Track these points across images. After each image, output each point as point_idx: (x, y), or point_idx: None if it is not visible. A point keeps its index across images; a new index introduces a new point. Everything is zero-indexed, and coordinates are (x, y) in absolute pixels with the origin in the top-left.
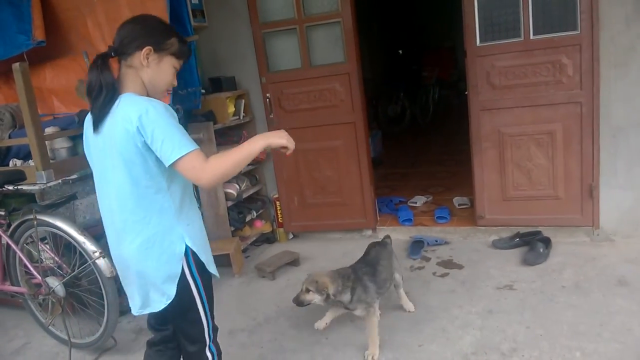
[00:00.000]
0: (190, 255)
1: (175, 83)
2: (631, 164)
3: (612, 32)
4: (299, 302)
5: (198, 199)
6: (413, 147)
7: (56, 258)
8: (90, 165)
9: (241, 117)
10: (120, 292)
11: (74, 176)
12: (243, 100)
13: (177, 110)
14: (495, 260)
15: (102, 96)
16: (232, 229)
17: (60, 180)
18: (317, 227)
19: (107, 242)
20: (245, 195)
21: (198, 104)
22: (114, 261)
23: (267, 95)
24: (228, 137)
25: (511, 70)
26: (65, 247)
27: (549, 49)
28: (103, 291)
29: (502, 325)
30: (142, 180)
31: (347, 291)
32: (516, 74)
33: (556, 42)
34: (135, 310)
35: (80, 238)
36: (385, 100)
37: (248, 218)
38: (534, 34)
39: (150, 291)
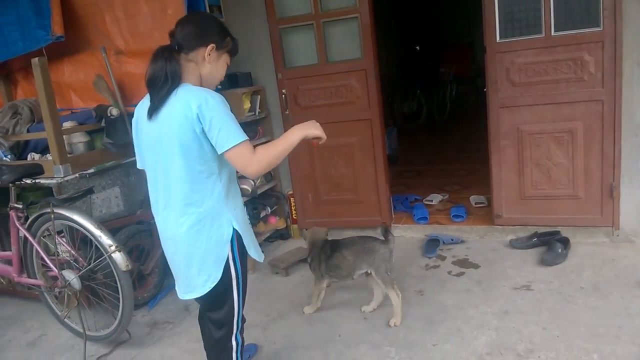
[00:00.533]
0: (235, 239)
1: (223, 78)
2: None
3: (635, 29)
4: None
5: None
6: (429, 145)
7: (72, 251)
8: (137, 150)
9: (257, 113)
10: (135, 286)
11: (91, 170)
12: (259, 96)
13: None
14: (512, 260)
15: (167, 85)
16: None
17: (77, 174)
18: (332, 224)
19: (123, 236)
20: (259, 192)
21: None
22: (163, 244)
23: (283, 91)
24: None
25: (531, 67)
26: (82, 241)
27: (571, 46)
28: (118, 285)
29: (519, 325)
30: (196, 165)
31: (312, 254)
32: (537, 71)
33: (578, 39)
34: (180, 294)
35: (97, 232)
36: (402, 96)
37: (262, 214)
38: (555, 31)
39: (196, 275)
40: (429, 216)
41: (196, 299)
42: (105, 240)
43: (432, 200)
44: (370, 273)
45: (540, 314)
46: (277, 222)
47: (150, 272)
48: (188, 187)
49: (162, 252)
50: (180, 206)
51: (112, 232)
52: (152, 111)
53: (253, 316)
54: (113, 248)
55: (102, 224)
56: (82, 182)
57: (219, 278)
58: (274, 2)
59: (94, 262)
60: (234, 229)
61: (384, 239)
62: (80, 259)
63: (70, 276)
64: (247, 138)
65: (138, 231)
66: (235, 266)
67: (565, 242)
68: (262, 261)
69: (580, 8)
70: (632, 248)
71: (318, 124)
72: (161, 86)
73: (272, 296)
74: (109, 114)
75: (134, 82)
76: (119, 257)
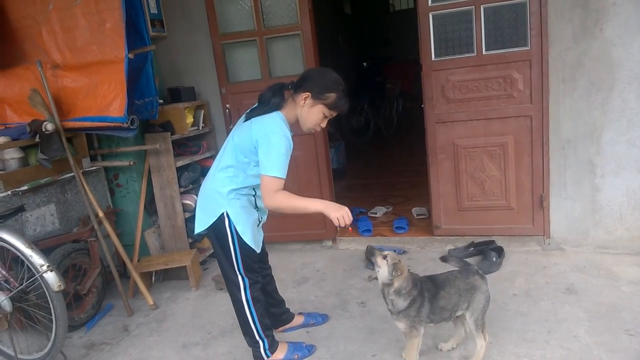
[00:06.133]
0: (232, 219)
1: (324, 125)
2: (579, 175)
3: (560, 48)
4: (371, 251)
5: (155, 212)
6: (376, 158)
7: (3, 271)
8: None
9: (200, 128)
10: (72, 306)
11: (24, 187)
12: (202, 111)
13: (132, 121)
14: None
15: (264, 108)
16: (190, 240)
17: (9, 192)
18: (278, 238)
19: (58, 255)
20: None
21: (155, 114)
22: None
23: (227, 106)
24: (187, 147)
25: (465, 84)
26: (13, 261)
27: (501, 64)
28: (51, 305)
29: (454, 333)
30: (236, 154)
31: (407, 298)
32: (469, 88)
33: (507, 58)
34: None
35: (28, 251)
36: (350, 111)
37: None
38: (486, 50)
39: (196, 218)
40: (372, 228)
41: None
42: (37, 259)
43: (376, 213)
44: (463, 314)
45: None
46: None
47: (88, 292)
48: (223, 165)
49: (100, 272)
50: (213, 172)
51: (47, 251)
52: (249, 117)
53: (194, 334)
54: (45, 268)
55: (35, 242)
56: (15, 200)
57: (197, 232)
58: (217, 18)
59: (25, 282)
60: (227, 212)
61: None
62: (12, 279)
63: (1, 298)
64: (279, 176)
65: (74, 250)
66: (232, 238)
67: (500, 251)
68: (258, 251)
69: (509, 28)
70: (562, 256)
71: (345, 211)
72: (262, 106)
73: (215, 313)
74: (43, 129)
75: (70, 97)
76: (50, 276)
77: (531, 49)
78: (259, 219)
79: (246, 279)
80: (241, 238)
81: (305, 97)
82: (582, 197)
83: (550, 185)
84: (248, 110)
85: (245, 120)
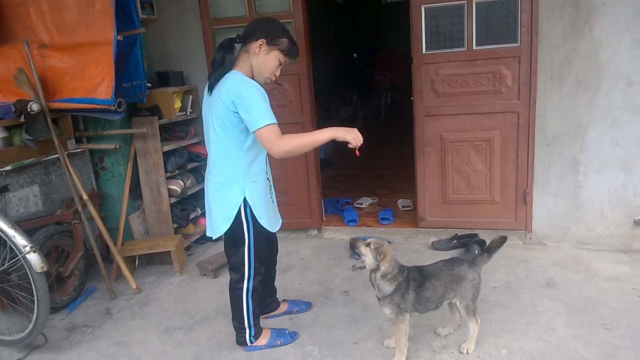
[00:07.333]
0: (247, 206)
1: (278, 74)
2: (563, 172)
3: (549, 45)
4: (354, 243)
5: (140, 196)
6: (364, 150)
7: None
8: (203, 118)
9: (188, 113)
10: (54, 288)
11: (8, 167)
12: (191, 96)
13: (119, 104)
14: (433, 261)
15: (220, 69)
16: (175, 226)
17: None
18: None
19: (41, 237)
20: (190, 192)
21: (143, 98)
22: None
23: None
24: (174, 132)
25: (454, 78)
26: None
27: (490, 60)
28: (33, 287)
29: (435, 323)
30: (225, 138)
31: (392, 283)
32: (459, 82)
33: (497, 53)
34: (207, 233)
35: (10, 232)
36: (339, 102)
37: (192, 215)
38: (476, 45)
39: (210, 222)
40: (358, 219)
41: None
42: (20, 240)
43: (362, 204)
44: (455, 303)
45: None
46: None
47: (70, 275)
48: (217, 153)
49: (83, 254)
50: (211, 166)
51: (30, 232)
52: (210, 88)
53: (177, 319)
54: (27, 249)
55: (18, 223)
56: None
57: (224, 232)
58: (208, 3)
59: (7, 263)
60: (245, 197)
61: (478, 253)
62: None
63: None
64: (272, 122)
65: (57, 232)
66: (248, 227)
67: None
68: (273, 231)
69: (500, 25)
70: (543, 250)
71: (356, 132)
72: (217, 69)
73: (199, 298)
74: (29, 109)
75: (57, 77)
76: (33, 258)
77: (521, 45)
78: (270, 195)
79: (252, 270)
80: (257, 222)
81: (261, 44)
82: (565, 194)
83: (534, 181)
84: (207, 84)
85: (210, 94)
